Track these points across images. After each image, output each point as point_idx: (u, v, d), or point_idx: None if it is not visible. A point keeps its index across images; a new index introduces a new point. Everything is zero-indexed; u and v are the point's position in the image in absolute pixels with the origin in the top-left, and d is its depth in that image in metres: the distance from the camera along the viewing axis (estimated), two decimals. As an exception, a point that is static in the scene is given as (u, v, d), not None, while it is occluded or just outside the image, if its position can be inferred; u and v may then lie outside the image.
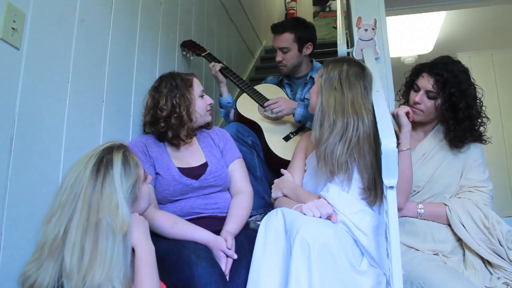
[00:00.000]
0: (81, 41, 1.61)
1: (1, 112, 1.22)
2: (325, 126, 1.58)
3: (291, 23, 2.61)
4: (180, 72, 1.95)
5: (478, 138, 1.77)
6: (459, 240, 1.66)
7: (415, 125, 1.86)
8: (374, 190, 1.52)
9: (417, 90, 1.80)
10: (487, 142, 1.80)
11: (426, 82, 1.77)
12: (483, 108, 1.78)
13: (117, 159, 1.23)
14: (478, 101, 1.77)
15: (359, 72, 1.66)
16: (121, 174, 1.21)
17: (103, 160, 1.21)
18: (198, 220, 1.70)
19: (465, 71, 1.77)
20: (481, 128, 1.77)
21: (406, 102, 1.88)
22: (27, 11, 1.33)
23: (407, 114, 1.66)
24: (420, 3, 3.35)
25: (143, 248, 1.25)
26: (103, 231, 1.13)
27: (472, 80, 1.78)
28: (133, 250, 1.23)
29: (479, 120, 1.76)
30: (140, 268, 1.21)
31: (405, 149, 1.62)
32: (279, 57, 2.58)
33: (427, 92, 1.77)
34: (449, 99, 1.72)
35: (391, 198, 1.29)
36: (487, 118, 1.78)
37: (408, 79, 1.90)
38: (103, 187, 1.17)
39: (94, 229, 1.13)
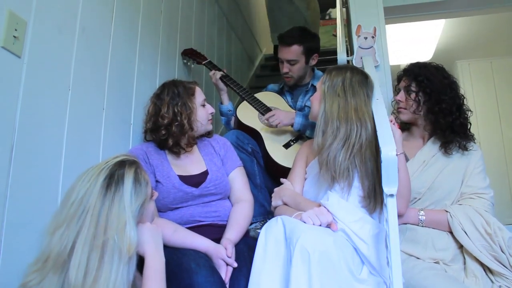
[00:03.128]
0: (82, 49, 1.62)
1: (2, 120, 1.22)
2: (328, 132, 1.59)
3: (299, 34, 2.55)
4: (183, 80, 1.95)
5: (462, 131, 1.80)
6: (460, 247, 1.66)
7: (412, 130, 1.94)
8: (374, 198, 1.52)
9: (399, 91, 1.93)
10: (474, 138, 1.86)
11: (403, 82, 1.92)
12: (462, 101, 1.84)
13: (129, 177, 1.21)
14: (455, 92, 1.83)
15: (362, 80, 1.68)
16: (131, 193, 1.20)
17: (115, 176, 1.19)
18: (198, 228, 1.70)
19: (435, 67, 1.89)
20: (462, 120, 1.80)
21: (395, 108, 2.00)
22: (28, 20, 1.34)
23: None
24: (419, 11, 3.36)
25: (154, 259, 1.24)
26: (109, 251, 1.12)
27: (446, 73, 1.87)
28: (142, 258, 1.23)
29: (457, 110, 1.80)
30: (149, 278, 1.20)
31: (397, 153, 1.62)
32: (285, 68, 2.54)
33: (404, 88, 1.89)
34: (420, 88, 1.84)
35: (391, 206, 1.29)
36: (470, 111, 1.86)
37: (395, 88, 2.03)
38: (112, 204, 1.16)
39: (100, 248, 1.11)
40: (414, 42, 4.80)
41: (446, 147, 1.78)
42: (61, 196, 1.44)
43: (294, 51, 2.50)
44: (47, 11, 1.43)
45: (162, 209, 1.74)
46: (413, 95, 1.84)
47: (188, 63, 2.77)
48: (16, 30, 1.27)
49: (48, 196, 1.40)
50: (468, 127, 1.83)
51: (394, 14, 3.30)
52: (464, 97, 1.85)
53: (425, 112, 1.84)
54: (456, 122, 1.78)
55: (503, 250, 1.55)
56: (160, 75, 2.34)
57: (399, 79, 1.97)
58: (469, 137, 1.82)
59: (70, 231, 1.12)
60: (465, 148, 1.78)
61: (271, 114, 2.30)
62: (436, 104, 1.79)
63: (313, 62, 2.59)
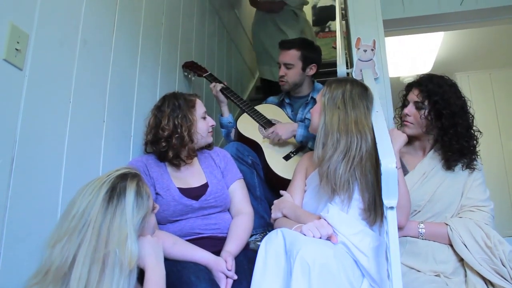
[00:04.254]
0: (83, 61, 1.62)
1: (3, 132, 1.23)
2: (328, 144, 1.59)
3: (300, 42, 2.68)
4: (184, 93, 1.96)
5: (470, 153, 1.78)
6: (460, 260, 1.65)
7: (413, 142, 1.91)
8: (374, 211, 1.52)
9: (407, 104, 1.88)
10: (478, 156, 1.82)
11: (413, 95, 1.85)
12: (472, 121, 1.81)
13: (131, 190, 1.21)
14: (467, 114, 1.80)
15: (362, 92, 1.69)
16: (133, 206, 1.20)
17: (116, 189, 1.19)
18: (198, 241, 1.70)
19: (450, 84, 1.83)
20: (472, 142, 1.78)
21: (400, 118, 1.96)
22: (30, 33, 1.35)
23: None
24: (418, 24, 3.38)
25: (154, 272, 1.24)
26: (110, 264, 1.12)
27: (459, 93, 1.82)
28: (142, 271, 1.22)
29: (469, 131, 1.78)
30: None
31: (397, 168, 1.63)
32: (282, 71, 2.62)
33: (415, 103, 1.84)
34: (434, 107, 1.78)
35: (391, 218, 1.29)
36: (479, 132, 1.82)
37: (402, 97, 1.97)
38: (114, 217, 1.16)
39: (101, 261, 1.11)
40: (413, 54, 4.82)
41: (450, 165, 1.77)
42: (61, 208, 1.44)
43: (291, 55, 2.59)
44: (49, 24, 1.44)
45: (162, 222, 1.74)
46: (425, 113, 1.80)
47: (189, 76, 2.78)
48: (18, 42, 1.28)
49: (48, 209, 1.40)
50: (476, 147, 1.80)
51: (393, 27, 3.32)
52: (473, 116, 1.81)
53: (436, 132, 1.80)
54: (466, 144, 1.76)
55: (504, 264, 1.54)
56: (160, 87, 2.35)
57: (408, 89, 1.92)
58: (475, 157, 1.79)
59: (71, 244, 1.12)
60: (470, 167, 1.77)
61: (270, 131, 2.34)
62: (451, 127, 1.75)
63: (310, 71, 2.62)
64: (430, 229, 1.69)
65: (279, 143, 2.37)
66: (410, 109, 1.85)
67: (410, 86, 1.91)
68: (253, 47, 4.30)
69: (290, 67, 2.58)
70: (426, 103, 1.80)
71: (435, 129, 1.80)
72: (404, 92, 1.95)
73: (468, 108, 1.81)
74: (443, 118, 1.75)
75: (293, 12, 3.92)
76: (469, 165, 1.77)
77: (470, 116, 1.81)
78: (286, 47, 2.63)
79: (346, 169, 1.54)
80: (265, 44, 3.87)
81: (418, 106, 1.82)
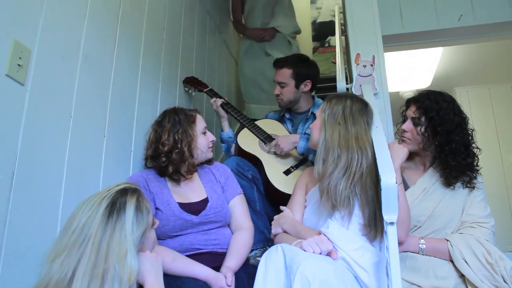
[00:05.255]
0: (84, 77, 1.64)
1: (3, 147, 1.23)
2: (329, 160, 1.59)
3: (292, 60, 2.67)
4: (184, 108, 1.97)
5: (469, 170, 1.77)
6: (461, 276, 1.64)
7: (414, 158, 1.91)
8: (374, 226, 1.52)
9: (406, 120, 1.89)
10: (479, 172, 1.81)
11: (411, 111, 1.86)
12: (471, 138, 1.80)
13: (131, 205, 1.21)
14: (465, 130, 1.79)
15: (362, 108, 1.70)
16: (133, 221, 1.20)
17: (116, 204, 1.19)
18: (198, 256, 1.69)
19: (447, 101, 1.82)
20: (470, 159, 1.77)
21: (399, 135, 1.96)
22: (33, 48, 1.36)
23: None
24: (417, 39, 3.41)
25: None
26: (110, 279, 1.11)
27: (457, 109, 1.82)
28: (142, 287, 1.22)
29: (468, 149, 1.78)
30: None
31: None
32: (277, 90, 2.64)
33: (412, 119, 1.84)
34: (430, 124, 1.79)
35: (391, 234, 1.29)
36: (478, 148, 1.82)
37: (402, 113, 1.98)
38: (114, 232, 1.15)
39: (101, 277, 1.11)
40: (412, 69, 4.85)
41: (450, 182, 1.76)
42: (61, 223, 1.43)
43: (283, 74, 2.60)
44: (51, 40, 1.46)
45: (162, 237, 1.73)
46: (422, 129, 1.80)
47: (190, 91, 2.80)
48: (20, 58, 1.29)
49: (48, 223, 1.40)
50: (475, 163, 1.80)
51: (393, 42, 3.35)
52: (472, 133, 1.81)
53: (433, 149, 1.81)
54: (464, 161, 1.75)
55: (506, 280, 1.53)
56: (161, 102, 2.36)
57: (407, 105, 1.93)
58: (476, 173, 1.79)
59: (71, 259, 1.12)
60: (470, 186, 1.76)
61: (273, 144, 2.35)
62: (447, 144, 1.75)
63: (305, 88, 2.62)
64: (431, 245, 1.69)
65: (280, 157, 2.38)
66: (407, 125, 1.86)
67: (408, 102, 1.92)
68: (241, 82, 3.99)
69: (284, 86, 2.60)
70: (422, 119, 1.81)
71: (432, 145, 1.81)
72: (404, 107, 1.96)
73: (467, 125, 1.81)
74: (439, 135, 1.76)
75: (286, 40, 3.86)
76: (469, 183, 1.76)
77: (469, 133, 1.80)
78: (278, 65, 2.65)
79: (347, 185, 1.54)
80: (256, 79, 3.74)
81: (415, 122, 1.83)
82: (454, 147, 1.75)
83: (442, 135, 1.75)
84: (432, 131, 1.78)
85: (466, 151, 1.77)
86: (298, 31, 4.03)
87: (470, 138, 1.80)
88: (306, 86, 2.62)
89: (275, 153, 2.40)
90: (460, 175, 1.76)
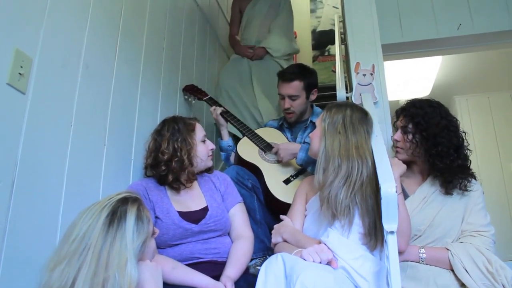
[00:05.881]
0: (85, 85, 1.64)
1: (4, 155, 1.23)
2: (329, 170, 1.59)
3: (299, 71, 2.61)
4: (183, 117, 1.98)
5: (461, 173, 1.77)
6: (462, 285, 1.63)
7: (412, 167, 1.92)
8: (374, 235, 1.51)
9: (397, 130, 1.92)
10: (475, 176, 1.82)
11: (399, 121, 1.91)
12: (461, 140, 1.81)
13: (131, 214, 1.21)
14: (452, 132, 1.80)
15: (362, 117, 1.70)
16: (134, 231, 1.19)
17: (117, 213, 1.19)
18: (198, 265, 1.68)
19: (433, 106, 1.86)
20: (459, 161, 1.78)
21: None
22: (34, 57, 1.37)
23: None
24: (416, 48, 3.43)
25: None
26: None
27: (444, 113, 1.84)
28: None
29: (458, 151, 1.78)
30: None
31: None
32: (287, 104, 2.56)
33: (402, 129, 1.88)
34: (417, 130, 1.82)
35: (391, 243, 1.29)
36: (469, 150, 1.83)
37: (393, 125, 2.02)
38: (114, 241, 1.15)
39: (101, 286, 1.10)
40: (412, 77, 4.86)
41: (446, 187, 1.77)
42: (60, 231, 1.43)
43: (295, 87, 2.54)
44: (52, 49, 1.46)
45: (161, 246, 1.73)
46: (410, 136, 1.83)
47: (189, 99, 2.80)
48: (21, 67, 1.30)
49: (48, 232, 1.40)
50: (468, 166, 1.81)
51: (392, 51, 3.36)
52: (463, 136, 1.83)
53: (423, 153, 1.82)
54: (454, 164, 1.76)
55: (506, 289, 1.53)
56: (161, 111, 2.36)
57: (397, 116, 1.96)
58: (469, 176, 1.79)
59: (71, 268, 1.11)
60: (465, 189, 1.75)
61: (274, 151, 2.36)
62: (433, 147, 1.77)
63: (312, 97, 2.63)
64: (431, 254, 1.68)
65: (279, 166, 2.38)
66: (398, 134, 1.90)
67: (397, 113, 1.96)
68: (219, 92, 3.43)
69: (295, 99, 2.55)
70: (410, 126, 1.84)
71: (422, 151, 1.82)
72: (395, 119, 1.99)
73: (457, 127, 1.83)
74: (425, 139, 1.79)
75: (276, 63, 3.50)
76: (465, 186, 1.76)
77: (459, 135, 1.81)
78: (288, 78, 2.56)
79: (347, 195, 1.54)
80: (229, 91, 3.37)
81: (404, 131, 1.86)
82: (441, 150, 1.76)
83: (429, 139, 1.78)
84: (420, 137, 1.81)
85: (456, 153, 1.78)
86: (293, 52, 3.78)
87: (460, 140, 1.81)
88: (313, 95, 2.63)
89: (276, 161, 2.39)
90: (453, 178, 1.76)
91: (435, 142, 1.77)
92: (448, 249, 1.66)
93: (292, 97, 2.55)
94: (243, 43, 3.68)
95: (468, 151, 1.83)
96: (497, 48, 3.61)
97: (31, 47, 1.36)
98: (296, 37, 5.50)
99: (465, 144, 1.82)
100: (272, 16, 3.66)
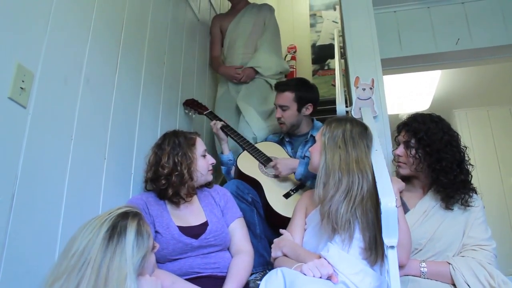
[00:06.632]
0: (86, 99, 1.65)
1: (4, 169, 1.24)
2: (330, 184, 1.59)
3: (294, 83, 2.68)
4: (184, 131, 1.98)
5: (463, 188, 1.77)
6: (463, 300, 1.63)
7: (412, 181, 1.92)
8: (375, 250, 1.51)
9: (399, 145, 1.93)
10: (476, 192, 1.82)
11: (401, 136, 1.91)
12: (463, 155, 1.82)
13: (131, 229, 1.20)
14: (455, 148, 1.81)
15: (362, 131, 1.70)
16: (133, 245, 1.19)
17: (117, 227, 1.19)
18: (197, 280, 1.67)
19: (435, 121, 1.86)
20: (462, 177, 1.78)
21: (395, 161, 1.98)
22: (35, 72, 1.38)
23: None
24: (415, 63, 3.44)
25: None
26: None
27: (446, 128, 1.85)
28: None
29: (460, 166, 1.79)
30: None
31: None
32: (278, 114, 2.64)
33: (404, 143, 1.88)
34: (420, 145, 1.82)
35: (392, 257, 1.28)
36: (471, 165, 1.83)
37: (395, 140, 2.02)
38: (114, 256, 1.14)
39: None
40: (412, 91, 4.88)
41: (447, 202, 1.77)
42: (60, 245, 1.43)
43: (285, 97, 2.60)
44: (54, 63, 1.48)
45: (161, 260, 1.72)
46: (413, 151, 1.83)
47: (190, 113, 2.81)
48: (23, 81, 1.31)
49: (47, 246, 1.39)
50: (469, 181, 1.81)
51: (391, 65, 3.38)
52: (465, 151, 1.83)
53: (426, 168, 1.82)
54: (457, 179, 1.76)
55: (509, 305, 1.52)
56: (161, 125, 2.37)
57: (398, 131, 1.96)
58: (471, 191, 1.79)
59: (70, 283, 1.10)
60: (466, 204, 1.75)
61: (271, 165, 2.37)
62: (437, 162, 1.77)
63: (306, 111, 2.64)
64: (432, 268, 1.67)
65: (279, 181, 2.38)
66: (400, 149, 1.90)
67: (399, 127, 1.97)
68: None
69: (285, 109, 2.60)
70: (412, 141, 1.85)
71: (425, 166, 1.82)
72: (396, 133, 2.00)
73: (458, 142, 1.84)
74: (429, 155, 1.79)
75: (267, 84, 3.29)
76: (466, 201, 1.76)
77: (461, 150, 1.82)
78: (280, 89, 2.65)
79: (348, 209, 1.53)
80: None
81: (407, 146, 1.86)
82: (445, 165, 1.76)
83: (432, 154, 1.78)
84: (423, 152, 1.81)
85: (459, 168, 1.78)
86: (285, 72, 3.48)
87: (462, 155, 1.82)
88: (308, 109, 2.64)
89: (275, 176, 2.39)
90: (455, 194, 1.76)
91: (438, 158, 1.77)
92: (449, 263, 1.65)
93: (282, 107, 2.61)
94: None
95: (470, 166, 1.83)
96: (495, 63, 3.63)
97: (33, 62, 1.38)
98: (295, 51, 5.54)
99: (466, 158, 1.83)
100: (257, 34, 3.39)
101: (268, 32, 3.39)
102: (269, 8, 3.50)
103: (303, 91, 2.63)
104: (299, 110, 2.61)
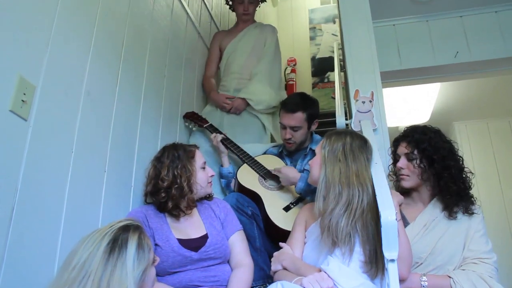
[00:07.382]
0: (87, 112, 1.66)
1: (4, 181, 1.24)
2: (330, 197, 1.58)
3: (302, 102, 2.57)
4: (183, 144, 1.99)
5: (467, 195, 1.79)
6: (465, 313, 1.61)
7: (412, 194, 1.92)
8: (375, 263, 1.50)
9: (399, 158, 1.91)
10: (477, 201, 1.83)
11: (402, 148, 1.90)
12: (462, 163, 1.84)
13: (132, 242, 1.20)
14: (456, 155, 1.84)
15: (362, 144, 1.71)
16: (134, 259, 1.18)
17: (118, 240, 1.18)
18: (197, 293, 1.67)
19: (434, 131, 1.89)
20: (466, 184, 1.81)
21: (395, 174, 1.98)
22: (37, 84, 1.39)
23: None
24: (414, 75, 3.46)
25: None
26: None
27: (444, 137, 1.88)
28: None
29: (462, 173, 1.81)
30: None
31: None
32: (288, 134, 2.54)
33: (406, 155, 1.87)
34: (424, 155, 1.83)
35: (392, 271, 1.28)
36: (471, 172, 1.85)
37: (392, 154, 2.02)
38: (115, 269, 1.14)
39: None
40: (411, 104, 4.89)
41: (450, 211, 1.77)
42: (59, 258, 1.43)
43: (298, 118, 2.52)
44: (55, 76, 1.49)
45: (161, 273, 1.71)
46: (417, 162, 1.83)
47: (190, 126, 2.81)
48: (24, 94, 1.32)
49: (46, 259, 1.39)
50: (470, 188, 1.83)
51: (391, 78, 3.40)
52: (463, 159, 1.86)
53: (431, 178, 1.83)
54: (462, 185, 1.79)
55: (510, 318, 1.51)
56: (162, 137, 2.38)
57: (396, 144, 1.96)
58: (471, 200, 1.81)
59: None
60: (470, 212, 1.76)
61: (277, 170, 2.37)
62: (445, 170, 1.78)
63: (313, 127, 2.64)
64: (433, 282, 1.66)
65: (279, 193, 2.38)
66: (402, 162, 1.89)
67: (397, 141, 1.97)
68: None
69: (297, 130, 2.53)
70: (416, 152, 1.85)
71: (431, 175, 1.83)
72: (392, 148, 2.00)
73: (457, 150, 1.87)
74: (435, 163, 1.80)
75: (257, 120, 3.07)
76: (468, 209, 1.77)
77: (460, 158, 1.85)
78: (291, 109, 2.51)
79: (348, 222, 1.53)
80: (208, 151, 2.81)
81: (410, 157, 1.86)
82: (453, 172, 1.78)
83: (438, 162, 1.79)
84: (428, 161, 1.82)
85: (462, 175, 1.81)
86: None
87: (461, 163, 1.84)
88: (315, 125, 2.63)
89: (276, 188, 2.39)
90: (460, 201, 1.78)
91: (444, 166, 1.79)
92: (450, 277, 1.64)
93: (294, 128, 2.53)
94: (220, 89, 3.17)
95: (471, 174, 1.84)
96: (493, 76, 3.65)
97: (35, 75, 1.39)
98: (295, 64, 5.57)
99: (464, 166, 1.85)
100: (256, 57, 3.18)
101: (266, 57, 3.18)
102: (272, 30, 3.33)
103: (312, 109, 2.58)
104: (309, 128, 2.58)
